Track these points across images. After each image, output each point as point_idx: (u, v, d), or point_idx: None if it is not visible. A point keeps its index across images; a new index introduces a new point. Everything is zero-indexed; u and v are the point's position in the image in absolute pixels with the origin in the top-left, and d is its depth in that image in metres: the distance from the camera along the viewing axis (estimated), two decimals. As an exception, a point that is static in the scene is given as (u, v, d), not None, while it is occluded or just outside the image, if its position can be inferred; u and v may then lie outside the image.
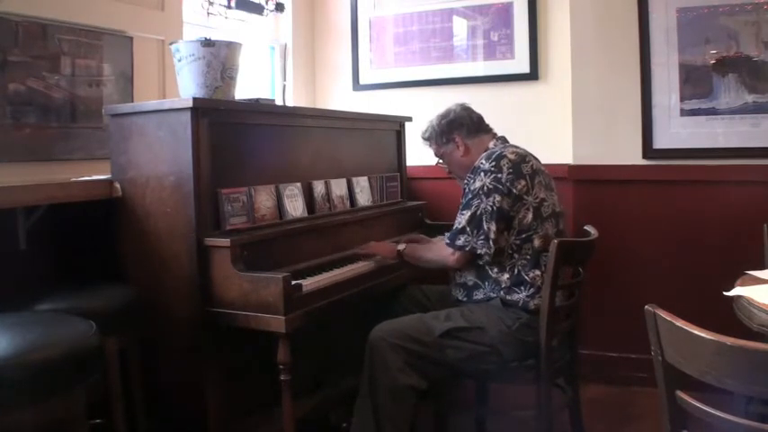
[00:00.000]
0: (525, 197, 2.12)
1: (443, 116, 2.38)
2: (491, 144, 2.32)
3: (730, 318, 1.64)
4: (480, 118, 2.39)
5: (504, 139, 2.36)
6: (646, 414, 2.71)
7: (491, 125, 2.40)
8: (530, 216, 2.12)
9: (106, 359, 1.82)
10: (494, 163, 2.14)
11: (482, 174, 2.14)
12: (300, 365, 2.08)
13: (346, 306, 2.25)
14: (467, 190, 2.19)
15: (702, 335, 1.09)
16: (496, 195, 2.10)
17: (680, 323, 1.15)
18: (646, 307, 1.23)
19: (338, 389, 2.51)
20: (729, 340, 1.05)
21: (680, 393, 1.20)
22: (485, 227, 2.10)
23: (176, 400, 2.11)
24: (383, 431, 2.00)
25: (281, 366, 1.98)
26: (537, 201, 2.14)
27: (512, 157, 2.15)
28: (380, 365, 2.02)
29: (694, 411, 1.16)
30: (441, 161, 2.44)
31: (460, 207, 2.19)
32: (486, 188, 2.12)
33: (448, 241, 2.18)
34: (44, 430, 1.43)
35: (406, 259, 2.37)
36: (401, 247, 2.37)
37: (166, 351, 2.11)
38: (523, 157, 2.18)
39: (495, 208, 2.09)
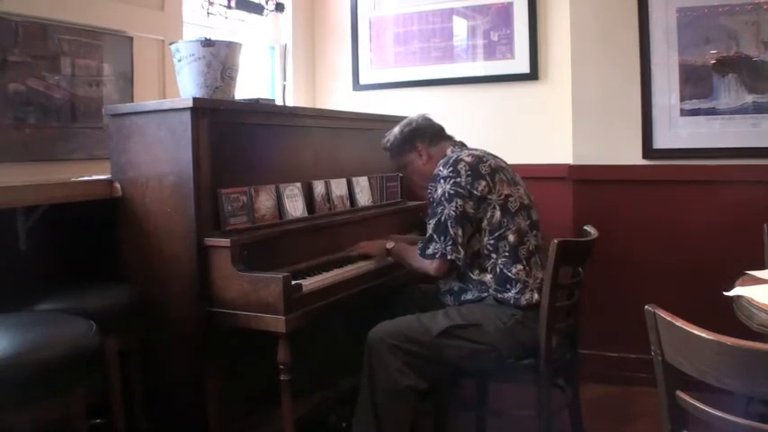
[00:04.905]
0: (489, 197, 2.13)
1: (406, 125, 2.40)
2: (449, 151, 2.32)
3: (730, 318, 1.64)
4: (441, 128, 2.41)
5: (462, 145, 2.37)
6: (646, 414, 2.70)
7: (452, 134, 2.41)
8: (497, 214, 2.13)
9: (106, 359, 1.82)
10: (451, 168, 2.15)
11: (441, 180, 2.15)
12: (300, 365, 2.08)
13: (346, 306, 2.26)
14: (431, 199, 2.20)
15: (702, 335, 1.09)
16: (458, 200, 2.11)
17: (680, 323, 1.15)
18: (646, 307, 1.23)
19: (338, 389, 2.51)
20: (729, 340, 1.05)
21: (680, 393, 1.20)
22: (451, 232, 2.10)
23: (176, 400, 2.11)
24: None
25: (281, 366, 1.98)
26: (501, 198, 2.14)
27: (468, 159, 2.16)
28: (379, 366, 2.02)
29: (694, 411, 1.16)
30: (403, 172, 2.45)
31: (428, 217, 2.21)
32: (447, 194, 2.12)
33: (419, 252, 2.19)
34: (44, 430, 1.43)
35: (393, 258, 2.40)
36: (389, 245, 2.40)
37: (166, 351, 2.11)
38: (480, 158, 2.19)
39: (458, 212, 2.10)
